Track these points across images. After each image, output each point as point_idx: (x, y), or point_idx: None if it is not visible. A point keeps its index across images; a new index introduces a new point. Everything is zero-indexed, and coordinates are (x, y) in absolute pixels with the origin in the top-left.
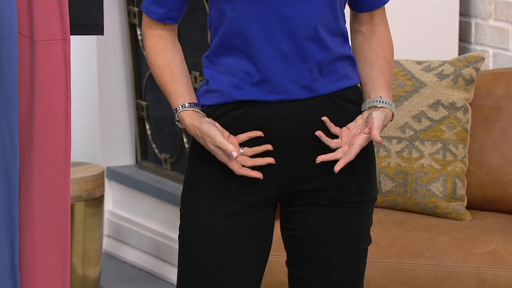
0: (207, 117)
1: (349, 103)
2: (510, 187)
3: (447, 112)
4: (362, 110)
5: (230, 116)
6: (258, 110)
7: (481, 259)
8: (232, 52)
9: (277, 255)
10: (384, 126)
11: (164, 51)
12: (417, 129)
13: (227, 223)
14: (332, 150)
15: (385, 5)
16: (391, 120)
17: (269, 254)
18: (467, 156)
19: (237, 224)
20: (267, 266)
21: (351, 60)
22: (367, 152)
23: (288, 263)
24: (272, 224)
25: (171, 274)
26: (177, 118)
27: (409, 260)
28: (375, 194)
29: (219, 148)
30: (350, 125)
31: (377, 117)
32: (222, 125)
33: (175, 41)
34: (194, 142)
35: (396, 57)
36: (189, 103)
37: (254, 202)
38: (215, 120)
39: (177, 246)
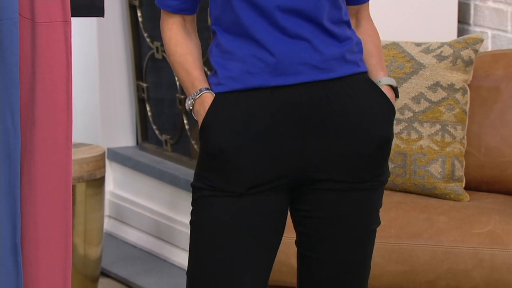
0: (219, 104)
1: (361, 89)
2: (508, 168)
3: (446, 94)
4: None
5: (242, 102)
6: (269, 97)
7: (479, 239)
8: (239, 39)
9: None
10: (392, 99)
11: (185, 41)
12: (416, 110)
13: (240, 210)
14: (346, 139)
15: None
16: (396, 95)
17: (281, 239)
18: (465, 137)
19: (251, 212)
20: None
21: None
22: (385, 144)
23: (298, 243)
24: (286, 210)
25: (172, 254)
26: (197, 94)
27: (407, 241)
28: (387, 177)
29: None
30: None
31: None
32: (234, 112)
33: (194, 33)
34: (204, 130)
35: (395, 38)
36: (210, 89)
37: (268, 190)
38: (227, 107)
39: (177, 227)
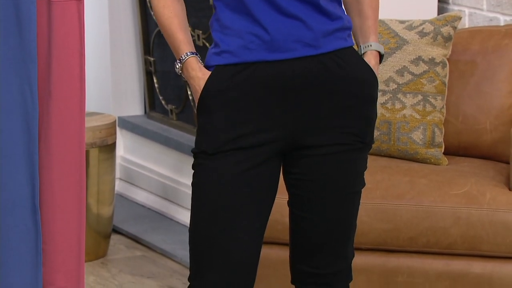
0: (218, 73)
1: (349, 61)
2: (483, 134)
3: (427, 67)
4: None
5: (238, 75)
6: (264, 70)
7: (457, 199)
8: (237, 15)
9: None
10: (376, 65)
11: (172, 4)
12: (400, 82)
13: (237, 171)
14: (335, 98)
15: None
16: (381, 59)
17: (274, 199)
18: (445, 106)
19: (247, 173)
20: None
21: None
22: (370, 102)
23: (290, 203)
24: (278, 172)
25: (177, 213)
26: (183, 59)
27: (391, 201)
28: (371, 141)
29: None
30: None
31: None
32: (230, 85)
33: None
34: (204, 96)
35: (381, 17)
36: (195, 52)
37: (262, 154)
38: (226, 76)
39: (182, 189)
